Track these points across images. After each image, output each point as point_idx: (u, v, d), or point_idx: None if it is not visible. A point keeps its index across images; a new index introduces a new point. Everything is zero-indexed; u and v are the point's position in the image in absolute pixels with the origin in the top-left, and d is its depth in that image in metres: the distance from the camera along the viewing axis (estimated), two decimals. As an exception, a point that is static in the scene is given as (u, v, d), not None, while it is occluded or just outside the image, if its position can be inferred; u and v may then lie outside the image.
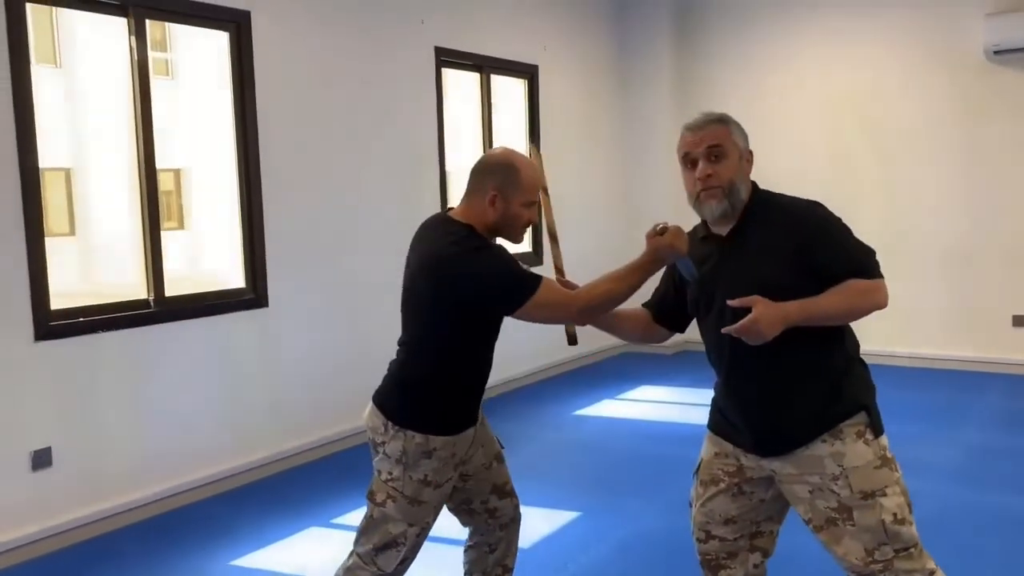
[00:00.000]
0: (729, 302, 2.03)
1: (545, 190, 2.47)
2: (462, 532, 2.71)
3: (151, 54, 4.14)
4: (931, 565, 2.07)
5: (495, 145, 6.23)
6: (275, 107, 4.54)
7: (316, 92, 4.78)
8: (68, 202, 10.91)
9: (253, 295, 4.49)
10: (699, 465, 2.41)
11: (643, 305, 2.51)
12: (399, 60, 5.33)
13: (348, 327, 4.91)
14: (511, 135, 6.51)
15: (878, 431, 2.10)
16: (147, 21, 4.02)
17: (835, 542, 2.09)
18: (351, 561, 2.36)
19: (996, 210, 6.29)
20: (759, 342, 1.99)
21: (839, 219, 2.13)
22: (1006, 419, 5.28)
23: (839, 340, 2.14)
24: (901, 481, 2.09)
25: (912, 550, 2.04)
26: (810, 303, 2.02)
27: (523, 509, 3.90)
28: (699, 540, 2.38)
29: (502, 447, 2.59)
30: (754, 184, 2.22)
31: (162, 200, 4.14)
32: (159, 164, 4.05)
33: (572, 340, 2.52)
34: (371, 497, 2.34)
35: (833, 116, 6.78)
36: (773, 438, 2.15)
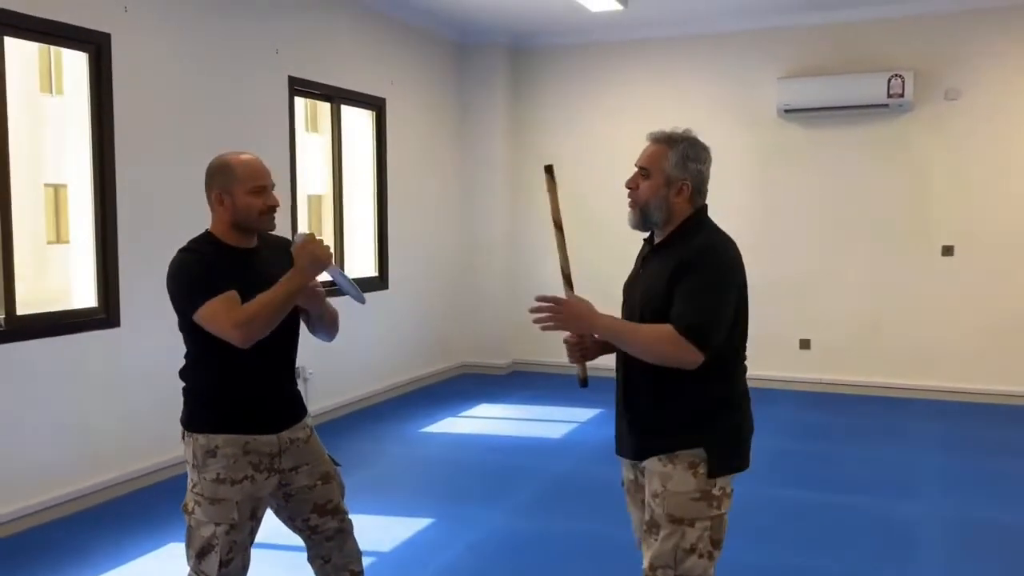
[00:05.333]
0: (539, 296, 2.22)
1: (558, 225, 2.42)
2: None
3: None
4: None
5: (344, 174, 6.47)
6: (135, 129, 4.58)
7: (176, 116, 4.86)
8: None
9: (105, 315, 4.49)
10: None
11: None
12: (255, 88, 5.48)
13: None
14: (359, 166, 6.76)
15: (713, 471, 2.19)
16: (5, 39, 4.00)
17: (645, 547, 2.28)
18: None
19: (785, 249, 7.23)
20: (560, 327, 2.20)
21: (718, 274, 2.19)
22: (797, 429, 6.09)
23: (709, 380, 2.20)
24: (720, 520, 2.21)
25: None
26: (617, 324, 2.22)
27: (379, 518, 4.25)
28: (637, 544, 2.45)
29: (338, 465, 2.68)
30: (699, 211, 2.31)
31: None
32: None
33: (583, 383, 2.42)
34: (184, 508, 2.47)
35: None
36: (627, 441, 2.34)
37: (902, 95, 6.64)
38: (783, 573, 3.67)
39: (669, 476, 2.21)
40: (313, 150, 14.06)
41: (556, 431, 5.99)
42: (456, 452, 5.54)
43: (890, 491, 4.67)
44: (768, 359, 7.28)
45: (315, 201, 16.62)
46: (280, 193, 5.59)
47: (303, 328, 2.64)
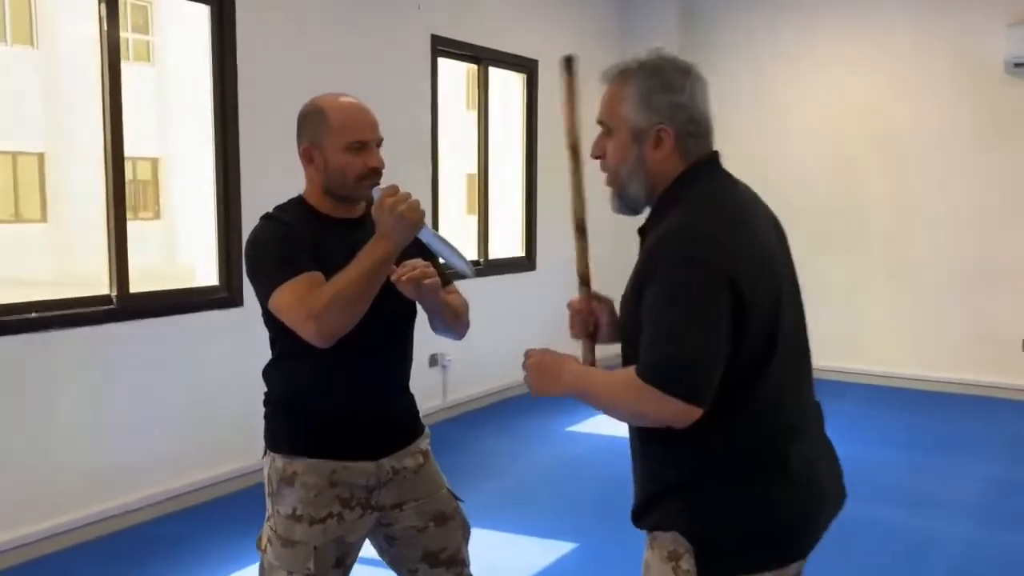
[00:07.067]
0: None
1: (575, 149, 1.77)
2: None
3: (129, 36, 3.79)
4: None
5: (491, 144, 5.93)
6: (258, 92, 4.20)
7: (303, 77, 4.44)
8: (40, 187, 10.50)
9: (227, 293, 4.17)
10: None
11: None
12: (394, 47, 5.00)
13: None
14: (507, 134, 6.21)
15: (704, 569, 1.48)
16: (120, -9, 3.70)
17: None
18: None
19: (1011, 229, 6.05)
20: (534, 387, 1.66)
21: (687, 273, 1.42)
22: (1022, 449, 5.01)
23: (698, 429, 1.42)
24: None
25: None
26: (584, 377, 1.58)
27: (513, 536, 3.66)
28: None
29: (460, 501, 2.09)
30: (693, 168, 1.58)
31: (136, 188, 3.82)
32: (134, 151, 3.73)
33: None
34: (258, 544, 2.01)
35: (842, 122, 6.49)
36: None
37: None
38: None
39: (648, 566, 1.56)
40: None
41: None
42: (606, 457, 4.87)
43: None
44: (983, 362, 6.15)
45: (472, 180, 16.35)
46: (420, 171, 5.23)
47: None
